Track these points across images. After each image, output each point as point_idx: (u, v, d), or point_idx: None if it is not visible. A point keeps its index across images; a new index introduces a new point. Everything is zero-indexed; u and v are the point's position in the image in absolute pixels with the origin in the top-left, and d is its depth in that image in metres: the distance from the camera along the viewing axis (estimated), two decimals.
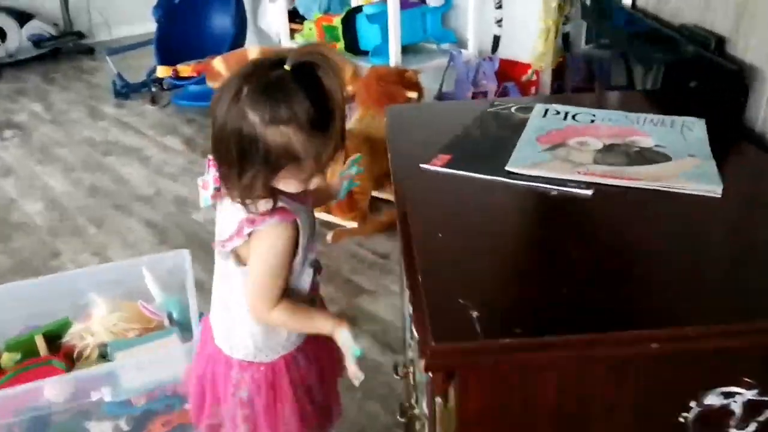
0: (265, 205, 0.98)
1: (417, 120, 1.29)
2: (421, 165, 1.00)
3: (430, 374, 0.67)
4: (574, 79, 2.56)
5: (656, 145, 1.02)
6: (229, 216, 1.03)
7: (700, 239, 0.82)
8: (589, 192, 0.90)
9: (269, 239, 1.01)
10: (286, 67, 0.89)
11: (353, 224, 2.56)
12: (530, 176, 0.95)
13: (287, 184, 0.97)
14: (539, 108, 1.18)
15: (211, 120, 0.94)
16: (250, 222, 0.99)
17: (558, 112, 1.16)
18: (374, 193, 2.66)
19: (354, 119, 2.65)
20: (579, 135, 1.06)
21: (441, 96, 3.03)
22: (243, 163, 0.92)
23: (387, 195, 2.73)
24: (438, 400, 0.68)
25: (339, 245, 2.51)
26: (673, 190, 0.89)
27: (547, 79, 2.74)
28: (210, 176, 1.04)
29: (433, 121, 1.27)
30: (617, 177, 0.92)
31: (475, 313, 0.66)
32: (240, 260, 1.06)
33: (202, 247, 2.37)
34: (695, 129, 1.06)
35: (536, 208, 0.93)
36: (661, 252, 0.79)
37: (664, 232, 0.83)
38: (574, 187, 0.91)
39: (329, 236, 2.52)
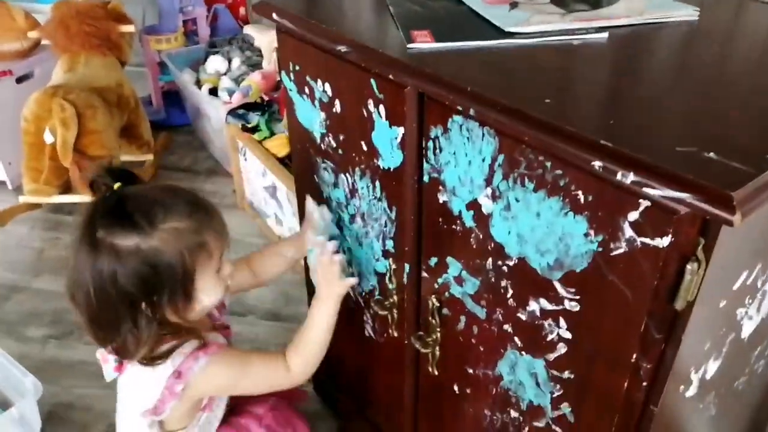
0: (180, 350, 0.88)
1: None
2: (408, 46, 0.79)
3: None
4: None
5: None
6: (141, 380, 0.90)
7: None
8: (605, 35, 0.82)
9: (215, 379, 0.92)
10: (115, 187, 0.84)
11: None
12: (537, 33, 0.82)
13: (209, 290, 0.88)
14: None
15: (76, 302, 0.85)
16: (178, 377, 0.88)
17: None
18: (125, 157, 2.16)
19: (61, 73, 2.07)
20: None
21: (149, 30, 2.56)
22: (139, 313, 0.83)
23: (133, 155, 2.25)
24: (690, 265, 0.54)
25: None
26: (658, 21, 0.87)
27: None
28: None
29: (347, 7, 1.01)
30: (606, 18, 0.87)
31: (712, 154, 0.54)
32: (164, 429, 0.96)
33: None
34: None
35: (577, 59, 0.79)
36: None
37: (708, 56, 0.79)
38: (584, 34, 0.82)
39: None
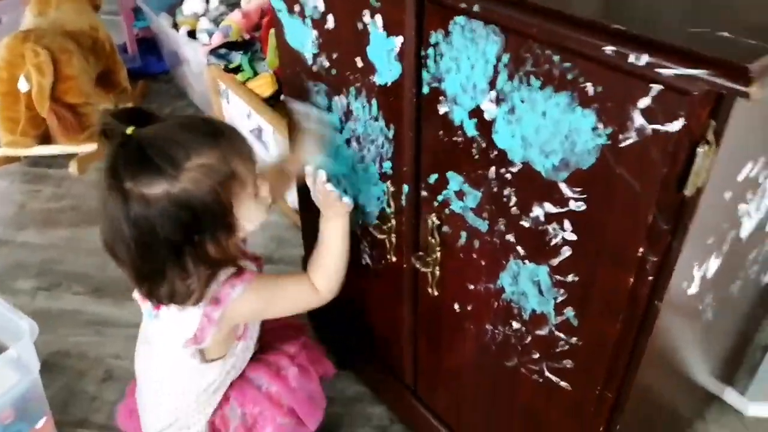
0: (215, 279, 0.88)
1: None
2: None
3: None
4: None
5: None
6: (179, 313, 0.88)
7: None
8: None
9: (252, 304, 0.93)
10: (129, 131, 0.79)
11: (92, 146, 1.99)
12: None
13: (251, 216, 0.88)
14: None
15: (118, 257, 0.83)
16: (216, 303, 0.88)
17: None
18: (103, 106, 2.10)
19: (31, 17, 1.99)
20: None
21: None
22: (184, 256, 0.82)
23: (112, 104, 2.19)
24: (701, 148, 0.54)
25: None
26: None
27: None
28: None
29: None
30: None
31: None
32: (204, 358, 0.96)
33: None
34: None
35: None
36: None
37: None
38: None
39: (72, 168, 1.95)
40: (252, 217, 0.88)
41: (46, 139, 1.99)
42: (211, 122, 0.88)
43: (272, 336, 1.13)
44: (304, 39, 0.95)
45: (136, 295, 0.93)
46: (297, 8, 0.93)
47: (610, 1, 0.63)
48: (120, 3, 2.47)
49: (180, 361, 0.95)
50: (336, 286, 1.01)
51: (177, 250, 0.81)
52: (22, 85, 1.82)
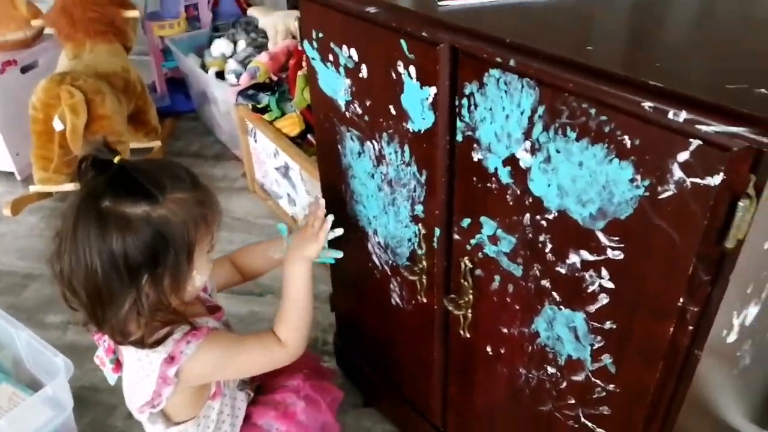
0: (171, 337, 0.88)
1: None
2: (440, 3, 0.79)
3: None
4: None
5: None
6: (137, 374, 0.90)
7: None
8: None
9: (208, 360, 0.91)
10: (115, 160, 0.82)
11: None
12: None
13: (201, 269, 0.89)
14: None
15: (75, 286, 0.83)
16: (170, 362, 0.87)
17: None
18: (133, 144, 2.15)
19: (66, 61, 2.06)
20: None
21: (151, 16, 2.54)
22: (141, 288, 0.83)
23: (141, 142, 2.24)
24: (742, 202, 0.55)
25: None
26: None
27: None
28: (101, 350, 0.95)
29: None
30: None
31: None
32: (169, 420, 0.96)
33: None
34: None
35: (614, 8, 0.80)
36: None
37: None
38: None
39: (5, 210, 2.03)
40: (202, 271, 0.90)
41: (77, 176, 2.03)
42: (191, 172, 0.90)
43: (271, 372, 1.09)
44: (337, 86, 0.98)
45: (96, 359, 0.95)
46: (331, 57, 0.95)
47: (647, 56, 0.64)
48: (149, 44, 2.54)
49: (146, 426, 0.96)
50: (303, 340, 1.00)
51: (137, 280, 0.82)
52: (57, 125, 1.88)
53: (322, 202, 1.02)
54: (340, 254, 1.09)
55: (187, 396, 0.95)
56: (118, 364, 0.96)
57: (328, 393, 1.15)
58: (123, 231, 0.80)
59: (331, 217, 1.03)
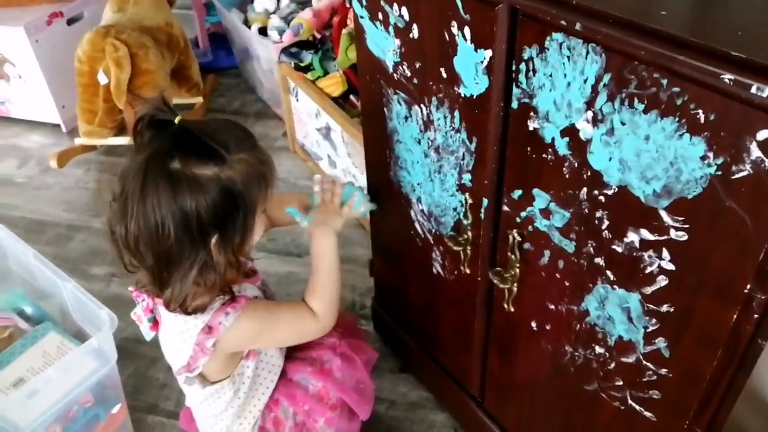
0: (210, 305, 0.88)
1: None
2: None
3: None
4: None
5: None
6: (174, 338, 0.91)
7: None
8: None
9: (245, 332, 0.92)
10: (176, 120, 0.83)
11: None
12: None
13: (258, 227, 0.90)
14: None
15: (140, 248, 0.83)
16: (208, 332, 0.88)
17: None
18: (175, 100, 2.16)
19: (110, 13, 2.05)
20: None
21: None
22: (209, 249, 0.82)
23: (183, 98, 2.24)
24: None
25: None
26: None
27: None
28: (139, 308, 0.96)
29: None
30: None
31: None
32: (205, 381, 0.97)
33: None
34: None
35: None
36: None
37: None
38: None
39: (52, 161, 2.09)
40: (258, 230, 0.90)
41: (121, 130, 2.05)
42: (249, 132, 0.89)
43: None
44: (385, 47, 0.94)
45: (134, 315, 0.96)
46: (381, 16, 0.92)
47: (730, 25, 0.59)
48: None
49: (191, 389, 0.98)
50: (334, 311, 1.01)
51: (206, 242, 0.81)
52: (102, 78, 1.88)
53: (339, 179, 1.01)
54: (374, 206, 1.11)
55: (220, 360, 0.95)
56: (155, 323, 0.97)
57: (363, 352, 1.15)
58: (194, 192, 0.79)
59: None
